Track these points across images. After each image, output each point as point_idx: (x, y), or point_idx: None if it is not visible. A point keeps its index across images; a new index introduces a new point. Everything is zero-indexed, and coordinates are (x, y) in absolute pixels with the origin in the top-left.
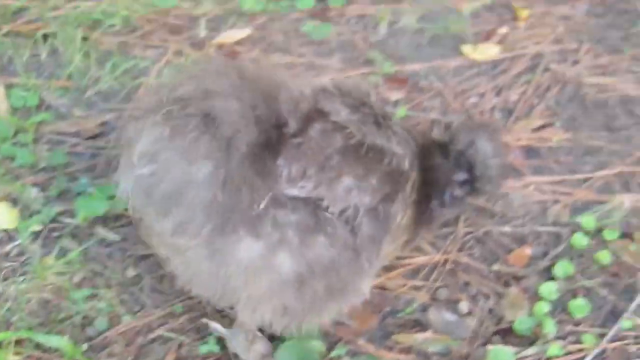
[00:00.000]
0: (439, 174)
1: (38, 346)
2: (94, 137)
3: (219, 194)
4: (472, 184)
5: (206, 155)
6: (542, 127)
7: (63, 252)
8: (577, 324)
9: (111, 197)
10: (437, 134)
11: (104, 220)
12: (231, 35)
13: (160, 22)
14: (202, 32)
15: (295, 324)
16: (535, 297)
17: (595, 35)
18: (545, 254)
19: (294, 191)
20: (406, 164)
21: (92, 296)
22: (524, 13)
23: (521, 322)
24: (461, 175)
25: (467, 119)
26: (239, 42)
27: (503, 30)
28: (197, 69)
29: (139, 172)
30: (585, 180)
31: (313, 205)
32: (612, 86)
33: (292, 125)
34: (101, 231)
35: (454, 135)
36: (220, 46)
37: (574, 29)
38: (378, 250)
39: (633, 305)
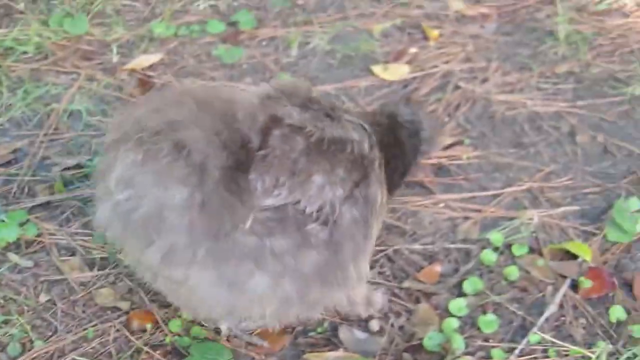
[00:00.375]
0: (409, 144)
1: None
2: (6, 164)
3: (197, 218)
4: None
5: (181, 181)
6: (452, 145)
7: None
8: (486, 339)
9: (23, 224)
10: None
11: (17, 246)
12: (143, 61)
13: (73, 49)
14: (114, 58)
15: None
16: (446, 313)
17: (504, 53)
18: (455, 271)
19: (270, 201)
20: (366, 147)
21: (5, 322)
22: (433, 33)
23: (430, 338)
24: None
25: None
26: (151, 67)
27: (413, 50)
28: (157, 102)
29: (117, 198)
30: (495, 196)
31: (294, 222)
32: (521, 103)
33: (255, 140)
34: (13, 257)
35: (399, 109)
36: (132, 71)
37: (483, 48)
38: (369, 232)
39: (541, 320)
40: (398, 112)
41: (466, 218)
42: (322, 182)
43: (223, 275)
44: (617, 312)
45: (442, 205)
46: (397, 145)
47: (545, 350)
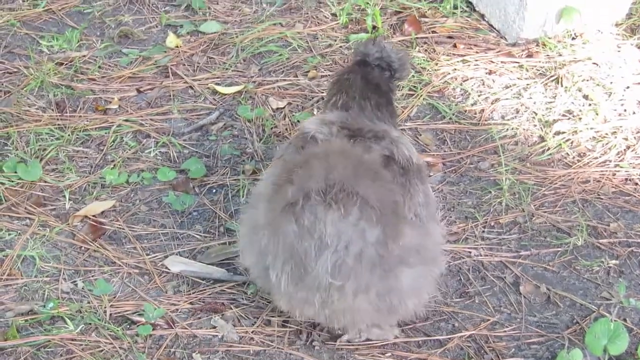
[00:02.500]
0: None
1: None
2: None
3: (389, 248)
4: (393, 75)
5: (374, 223)
6: None
7: None
8: None
9: None
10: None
11: None
12: (95, 207)
13: (26, 194)
14: (66, 204)
15: None
16: None
17: (449, 202)
18: None
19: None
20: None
21: None
22: None
23: None
24: (387, 73)
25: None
26: (102, 214)
27: None
28: (317, 163)
29: (333, 249)
30: (441, 344)
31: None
32: (466, 253)
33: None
34: None
35: (368, 50)
36: (84, 218)
37: None
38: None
39: None
40: (368, 54)
41: None
42: (418, 189)
43: (394, 283)
44: None
45: (388, 354)
46: (378, 85)
47: None
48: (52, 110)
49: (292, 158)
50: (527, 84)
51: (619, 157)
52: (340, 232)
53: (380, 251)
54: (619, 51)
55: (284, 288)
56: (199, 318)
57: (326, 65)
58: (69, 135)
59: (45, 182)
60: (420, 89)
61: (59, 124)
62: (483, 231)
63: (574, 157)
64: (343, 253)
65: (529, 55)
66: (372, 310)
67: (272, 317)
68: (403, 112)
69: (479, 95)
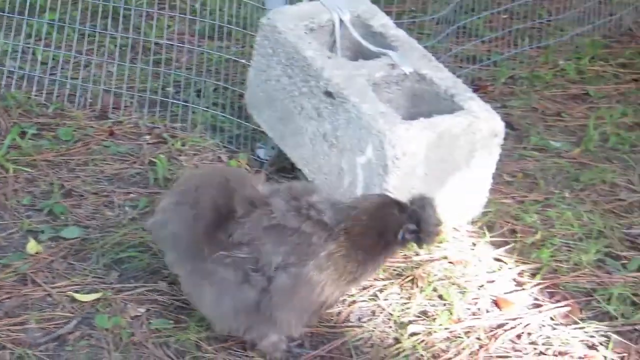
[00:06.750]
0: (393, 222)
1: None
2: None
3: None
4: (417, 234)
5: None
6: None
7: None
8: None
9: None
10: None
11: None
12: None
13: None
14: None
15: None
16: None
17: None
18: None
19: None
20: (314, 240)
21: None
22: None
23: None
24: (412, 226)
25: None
26: None
27: None
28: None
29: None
30: None
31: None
32: None
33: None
34: None
35: (412, 198)
36: None
37: None
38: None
39: None
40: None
41: None
42: (269, 249)
43: None
44: None
45: None
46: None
47: None
48: None
49: None
50: (384, 285)
51: (472, 357)
52: None
53: None
54: (473, 249)
55: None
56: None
57: None
58: None
59: None
60: None
61: None
62: None
63: (428, 359)
64: None
65: None
66: None
67: None
68: None
69: None
